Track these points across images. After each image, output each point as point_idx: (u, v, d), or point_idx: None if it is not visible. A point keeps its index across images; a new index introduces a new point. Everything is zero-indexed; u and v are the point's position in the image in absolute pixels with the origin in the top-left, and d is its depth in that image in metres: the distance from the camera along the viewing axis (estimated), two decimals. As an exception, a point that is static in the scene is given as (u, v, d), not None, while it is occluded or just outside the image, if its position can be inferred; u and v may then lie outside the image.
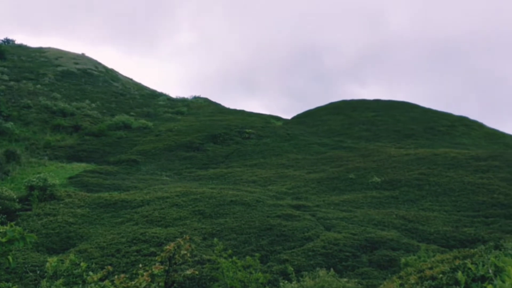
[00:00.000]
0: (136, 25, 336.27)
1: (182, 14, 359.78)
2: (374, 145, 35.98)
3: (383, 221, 18.77)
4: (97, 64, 67.22)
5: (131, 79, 69.17)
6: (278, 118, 51.73)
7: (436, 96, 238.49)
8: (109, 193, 23.04)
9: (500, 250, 7.01)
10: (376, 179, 25.29)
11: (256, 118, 47.69)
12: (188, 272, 5.90)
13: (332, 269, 12.02)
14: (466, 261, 6.36)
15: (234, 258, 9.33)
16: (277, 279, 13.03)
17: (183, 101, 59.12)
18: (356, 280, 12.84)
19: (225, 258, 9.44)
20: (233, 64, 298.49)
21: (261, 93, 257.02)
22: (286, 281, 11.59)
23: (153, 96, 59.89)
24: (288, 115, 53.35)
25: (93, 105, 46.81)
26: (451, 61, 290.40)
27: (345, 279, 11.94)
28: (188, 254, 5.95)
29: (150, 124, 42.65)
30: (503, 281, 3.99)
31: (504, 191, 22.10)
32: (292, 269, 12.17)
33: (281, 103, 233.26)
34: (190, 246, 6.09)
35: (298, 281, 11.13)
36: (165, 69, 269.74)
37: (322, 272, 11.29)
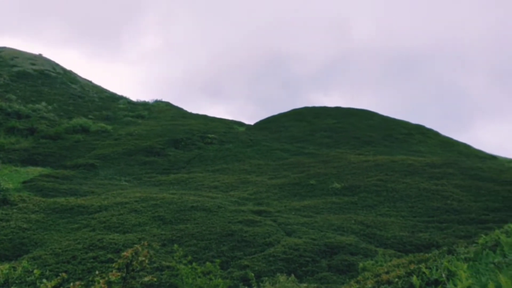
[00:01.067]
0: (100, 28, 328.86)
1: (148, 18, 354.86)
2: (335, 151, 36.57)
3: (342, 226, 19.08)
4: (54, 65, 65.26)
5: (90, 81, 67.50)
6: (241, 124, 51.68)
7: (395, 104, 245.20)
8: (66, 198, 22.37)
9: (453, 254, 7.25)
10: (336, 185, 25.70)
11: (218, 123, 47.55)
12: (146, 279, 5.80)
13: (292, 275, 12.11)
14: (420, 266, 6.55)
15: (194, 264, 9.26)
16: (238, 285, 12.99)
17: (144, 104, 58.12)
18: (315, 285, 12.97)
19: (184, 264, 9.35)
20: (198, 69, 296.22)
21: (226, 99, 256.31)
22: (247, 287, 11.59)
23: (113, 99, 58.66)
24: (253, 122, 53.30)
25: (50, 107, 45.37)
26: (411, 70, 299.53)
27: (305, 284, 12.04)
28: (147, 261, 5.85)
29: (109, 127, 41.69)
30: (455, 285, 4.13)
31: (457, 197, 22.92)
32: (253, 274, 12.18)
33: (246, 110, 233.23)
34: (148, 252, 6.00)
35: (259, 286, 11.15)
36: (128, 73, 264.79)
37: (282, 278, 11.34)
